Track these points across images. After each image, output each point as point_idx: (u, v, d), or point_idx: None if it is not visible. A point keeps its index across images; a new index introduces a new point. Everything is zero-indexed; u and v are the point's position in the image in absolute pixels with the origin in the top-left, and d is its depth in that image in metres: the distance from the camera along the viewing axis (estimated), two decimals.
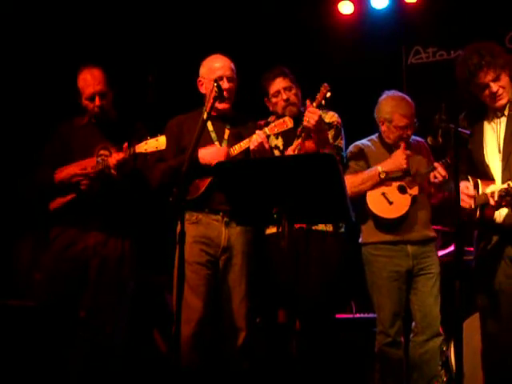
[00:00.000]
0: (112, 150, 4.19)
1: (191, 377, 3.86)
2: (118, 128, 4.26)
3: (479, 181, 3.52)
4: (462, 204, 3.42)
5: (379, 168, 4.27)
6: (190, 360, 3.86)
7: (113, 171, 4.03)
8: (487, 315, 3.55)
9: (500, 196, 3.29)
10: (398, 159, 4.26)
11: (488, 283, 3.54)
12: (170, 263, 3.89)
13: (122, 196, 4.17)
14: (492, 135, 3.60)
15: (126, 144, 4.01)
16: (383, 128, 4.39)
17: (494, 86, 3.50)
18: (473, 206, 3.46)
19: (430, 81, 6.28)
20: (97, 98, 4.19)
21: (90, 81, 4.19)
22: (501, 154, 3.55)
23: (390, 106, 4.36)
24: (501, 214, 3.44)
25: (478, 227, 3.61)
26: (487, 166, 3.57)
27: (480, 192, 3.48)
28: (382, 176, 4.25)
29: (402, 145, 4.29)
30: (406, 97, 4.42)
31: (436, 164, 3.92)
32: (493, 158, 3.57)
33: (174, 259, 3.79)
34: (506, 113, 3.58)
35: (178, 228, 3.42)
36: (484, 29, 6.23)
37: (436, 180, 3.88)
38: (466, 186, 3.47)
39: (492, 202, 3.35)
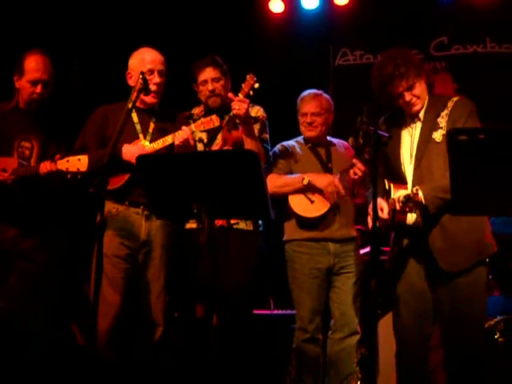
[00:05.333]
0: (34, 142, 4.14)
1: (108, 370, 3.82)
2: (46, 119, 4.19)
3: (392, 185, 3.57)
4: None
5: (305, 176, 4.32)
6: (106, 353, 3.83)
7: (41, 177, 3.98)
8: (399, 314, 3.62)
9: (403, 202, 3.33)
10: (326, 182, 4.32)
11: (400, 284, 3.60)
12: (89, 255, 3.84)
13: (41, 194, 4.11)
14: (407, 139, 3.65)
15: (58, 156, 3.97)
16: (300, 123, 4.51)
17: (408, 96, 3.55)
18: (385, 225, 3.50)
19: (356, 83, 6.39)
20: (40, 86, 4.13)
21: (40, 66, 4.14)
22: (412, 158, 3.59)
23: (300, 99, 4.52)
24: (412, 216, 3.50)
25: (393, 229, 3.67)
26: (401, 169, 3.62)
27: (391, 196, 3.52)
28: (305, 182, 4.31)
29: (338, 176, 4.34)
30: (319, 93, 4.52)
31: (354, 160, 3.98)
32: (406, 162, 3.62)
33: (92, 251, 3.75)
34: (422, 117, 3.63)
35: (97, 220, 3.38)
36: (410, 36, 6.39)
37: (356, 176, 3.94)
38: (381, 207, 3.50)
39: (397, 207, 3.39)
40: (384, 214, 3.47)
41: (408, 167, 3.61)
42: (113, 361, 3.88)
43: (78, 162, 3.89)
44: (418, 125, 3.64)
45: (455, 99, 3.60)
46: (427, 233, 3.49)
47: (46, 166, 3.96)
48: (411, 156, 3.60)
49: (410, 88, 3.54)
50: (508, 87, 5.92)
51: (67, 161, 3.91)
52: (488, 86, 6.22)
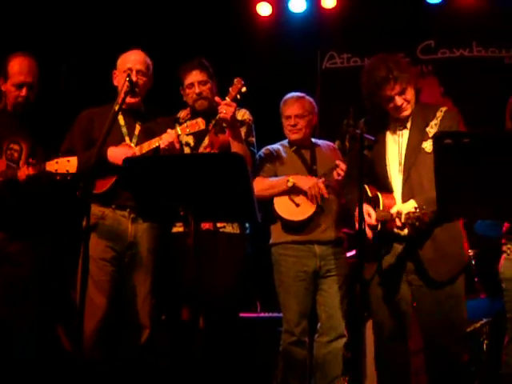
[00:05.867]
0: (23, 144, 4.14)
1: (94, 373, 3.82)
2: (34, 122, 4.19)
3: (379, 194, 3.54)
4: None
5: (289, 178, 4.32)
6: (93, 355, 3.83)
7: (21, 182, 3.97)
8: (381, 319, 3.62)
9: (410, 220, 3.32)
10: (310, 183, 4.30)
11: (385, 290, 3.60)
12: (74, 258, 3.84)
13: (29, 197, 4.10)
14: (394, 147, 3.63)
15: (33, 161, 3.97)
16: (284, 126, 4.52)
17: (399, 100, 3.52)
18: (372, 234, 3.48)
19: (343, 86, 6.41)
20: (25, 89, 4.13)
21: (24, 69, 4.13)
22: (401, 167, 3.57)
23: (283, 102, 4.52)
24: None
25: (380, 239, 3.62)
26: (388, 177, 3.60)
27: (381, 206, 3.50)
28: (289, 184, 4.31)
29: (323, 179, 4.32)
30: (301, 95, 4.52)
31: (338, 161, 3.99)
32: (394, 170, 3.60)
33: (78, 254, 3.74)
34: (409, 125, 3.61)
35: (84, 223, 3.38)
36: (397, 39, 6.41)
37: (339, 177, 3.93)
38: (368, 213, 3.47)
39: (398, 223, 3.39)
40: (372, 219, 3.47)
41: (395, 176, 3.59)
42: (99, 363, 3.87)
43: (68, 164, 3.89)
44: (405, 132, 3.62)
45: (444, 109, 3.59)
46: (418, 243, 3.49)
47: (24, 171, 3.95)
48: (400, 164, 3.58)
49: (403, 92, 3.52)
50: (494, 91, 5.94)
51: (56, 162, 3.92)
52: (474, 89, 6.26)
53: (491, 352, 4.75)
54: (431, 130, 3.54)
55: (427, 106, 3.66)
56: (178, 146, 3.98)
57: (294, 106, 4.45)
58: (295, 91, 4.58)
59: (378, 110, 3.59)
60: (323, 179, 4.31)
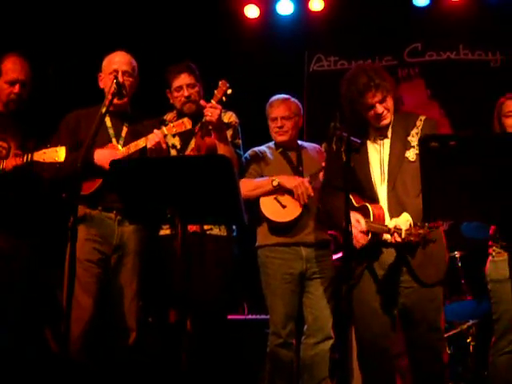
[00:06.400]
0: (11, 143, 4.13)
1: (81, 375, 3.81)
2: (25, 121, 4.20)
3: (369, 205, 3.53)
4: (356, 242, 3.42)
5: (274, 178, 4.33)
6: (79, 358, 3.82)
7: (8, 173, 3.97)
8: (367, 321, 3.62)
9: (413, 237, 3.33)
10: (294, 182, 4.31)
11: (373, 293, 3.60)
12: (61, 260, 3.83)
13: (15, 193, 4.09)
14: (375, 156, 3.64)
15: (19, 152, 3.98)
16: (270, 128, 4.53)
17: (380, 108, 3.54)
18: (367, 241, 3.47)
19: (330, 88, 6.40)
20: (17, 86, 4.15)
21: (17, 66, 4.17)
22: (384, 176, 3.58)
23: (269, 104, 4.54)
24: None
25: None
26: (373, 186, 3.60)
27: (371, 217, 3.48)
28: (275, 184, 4.32)
29: (308, 178, 4.33)
30: (287, 97, 4.54)
31: (324, 163, 4.00)
32: (377, 179, 3.60)
33: (65, 256, 3.74)
34: (389, 135, 3.63)
35: (70, 225, 3.37)
36: (385, 42, 6.45)
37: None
38: (357, 220, 3.46)
39: (398, 239, 3.38)
40: (362, 225, 3.46)
41: (380, 186, 3.60)
42: (86, 365, 3.86)
43: (56, 153, 3.89)
44: (386, 142, 3.64)
45: (423, 118, 3.63)
46: (407, 248, 3.48)
47: (11, 162, 3.96)
48: (382, 174, 3.59)
49: (383, 100, 3.54)
50: (480, 94, 5.98)
51: (44, 152, 3.91)
52: (461, 92, 6.31)
53: (477, 353, 4.78)
54: (412, 138, 3.57)
55: (406, 115, 3.71)
56: (164, 146, 3.98)
57: (280, 107, 4.46)
58: (282, 93, 4.59)
59: (358, 119, 3.61)
60: (308, 178, 4.32)
